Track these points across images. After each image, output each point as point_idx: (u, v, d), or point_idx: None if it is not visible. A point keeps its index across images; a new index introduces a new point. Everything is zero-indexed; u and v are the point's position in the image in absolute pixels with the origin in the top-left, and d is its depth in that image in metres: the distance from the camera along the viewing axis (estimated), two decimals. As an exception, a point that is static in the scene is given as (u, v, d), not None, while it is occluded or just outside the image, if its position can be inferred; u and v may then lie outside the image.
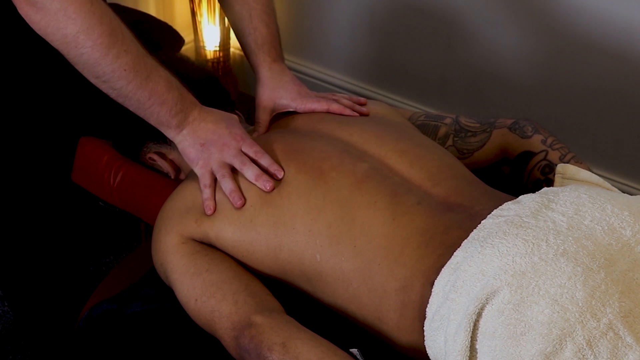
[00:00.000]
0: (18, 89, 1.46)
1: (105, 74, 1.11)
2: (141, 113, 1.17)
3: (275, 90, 1.35)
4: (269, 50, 1.37)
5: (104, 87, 1.13)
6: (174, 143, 1.40)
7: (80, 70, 1.12)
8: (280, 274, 1.15)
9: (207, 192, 1.19)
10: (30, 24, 1.08)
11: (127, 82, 1.12)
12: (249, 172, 1.17)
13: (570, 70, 2.05)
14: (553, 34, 2.04)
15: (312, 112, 1.34)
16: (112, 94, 1.14)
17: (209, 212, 1.17)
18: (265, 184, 1.15)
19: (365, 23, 2.37)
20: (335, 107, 1.32)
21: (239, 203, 1.15)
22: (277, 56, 1.38)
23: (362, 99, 1.39)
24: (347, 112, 1.32)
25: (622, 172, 2.11)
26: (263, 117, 1.35)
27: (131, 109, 1.16)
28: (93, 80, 1.13)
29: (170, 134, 1.21)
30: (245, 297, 1.10)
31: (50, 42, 1.09)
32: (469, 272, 0.94)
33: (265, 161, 1.18)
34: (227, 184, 1.17)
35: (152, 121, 1.18)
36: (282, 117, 1.37)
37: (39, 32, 1.08)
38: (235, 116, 1.26)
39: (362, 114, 1.33)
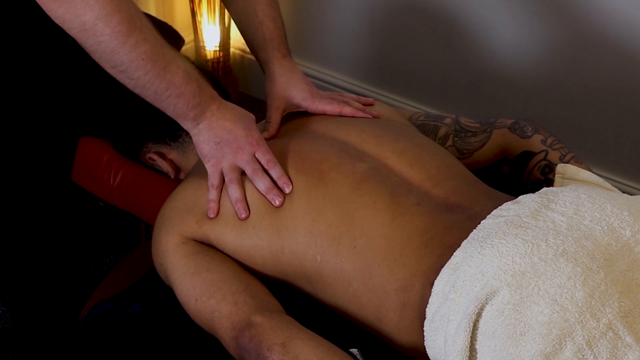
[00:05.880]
0: (18, 89, 1.46)
1: (123, 63, 1.09)
2: (158, 104, 1.15)
3: (287, 90, 1.33)
4: (278, 45, 1.34)
5: (121, 77, 1.11)
6: (173, 143, 1.40)
7: (97, 60, 1.10)
8: (281, 275, 1.15)
9: (213, 194, 1.18)
10: (47, 12, 1.06)
11: (145, 72, 1.10)
12: (260, 183, 1.16)
13: (570, 70, 2.05)
14: (553, 34, 2.04)
15: (314, 114, 1.33)
16: (130, 84, 1.12)
17: (211, 215, 1.16)
18: (275, 198, 1.14)
19: (365, 23, 2.37)
20: (347, 110, 1.31)
21: (243, 215, 1.15)
22: (287, 51, 1.36)
23: (370, 100, 1.38)
24: (360, 114, 1.31)
25: (622, 172, 2.11)
26: (275, 117, 1.33)
27: (148, 99, 1.14)
28: (110, 71, 1.11)
29: (186, 125, 1.19)
30: (245, 297, 1.09)
31: (67, 31, 1.07)
32: (468, 272, 0.94)
33: (275, 173, 1.16)
34: (234, 191, 1.16)
35: (169, 112, 1.17)
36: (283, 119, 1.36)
37: (56, 20, 1.07)
38: (253, 116, 1.24)
39: (373, 117, 1.32)
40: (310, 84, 1.35)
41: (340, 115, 1.31)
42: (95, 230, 1.90)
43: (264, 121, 1.35)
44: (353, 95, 1.38)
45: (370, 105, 1.36)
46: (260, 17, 1.34)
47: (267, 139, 1.28)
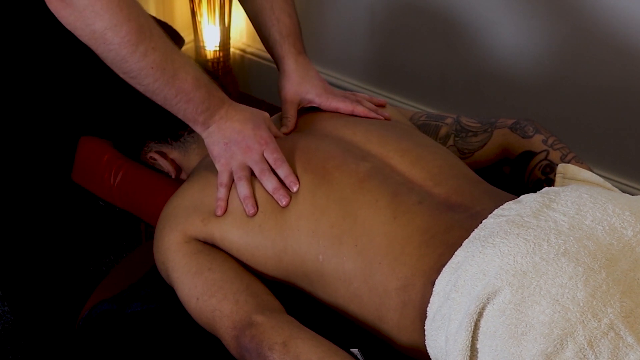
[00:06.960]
0: (19, 88, 1.46)
1: (133, 71, 1.11)
2: (168, 109, 1.17)
3: (302, 85, 1.34)
4: (294, 41, 1.35)
5: (132, 83, 1.14)
6: (174, 142, 1.41)
7: (109, 65, 1.12)
8: (282, 275, 1.15)
9: (222, 192, 1.18)
10: (59, 19, 1.08)
11: (154, 79, 1.12)
12: (268, 183, 1.16)
13: (570, 69, 2.05)
14: (553, 33, 2.05)
15: (321, 111, 1.34)
16: (140, 89, 1.14)
17: (219, 213, 1.16)
18: (282, 199, 1.14)
19: (365, 23, 2.37)
20: (360, 109, 1.31)
21: (251, 212, 1.15)
22: (302, 48, 1.37)
23: (382, 100, 1.38)
24: (372, 115, 1.31)
25: (623, 172, 2.11)
26: (291, 112, 1.33)
27: (159, 104, 1.17)
28: (122, 76, 1.13)
29: (197, 129, 1.20)
30: (246, 296, 1.09)
31: (78, 37, 1.09)
32: (470, 271, 0.94)
33: (282, 172, 1.17)
34: (242, 188, 1.17)
35: (180, 116, 1.18)
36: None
37: (67, 27, 1.08)
38: (265, 114, 1.25)
39: (385, 118, 1.32)
40: (324, 82, 1.36)
41: (352, 115, 1.31)
42: (95, 230, 1.90)
43: (278, 114, 1.35)
44: (365, 96, 1.38)
45: (382, 106, 1.37)
46: (277, 13, 1.35)
47: (286, 134, 1.29)
